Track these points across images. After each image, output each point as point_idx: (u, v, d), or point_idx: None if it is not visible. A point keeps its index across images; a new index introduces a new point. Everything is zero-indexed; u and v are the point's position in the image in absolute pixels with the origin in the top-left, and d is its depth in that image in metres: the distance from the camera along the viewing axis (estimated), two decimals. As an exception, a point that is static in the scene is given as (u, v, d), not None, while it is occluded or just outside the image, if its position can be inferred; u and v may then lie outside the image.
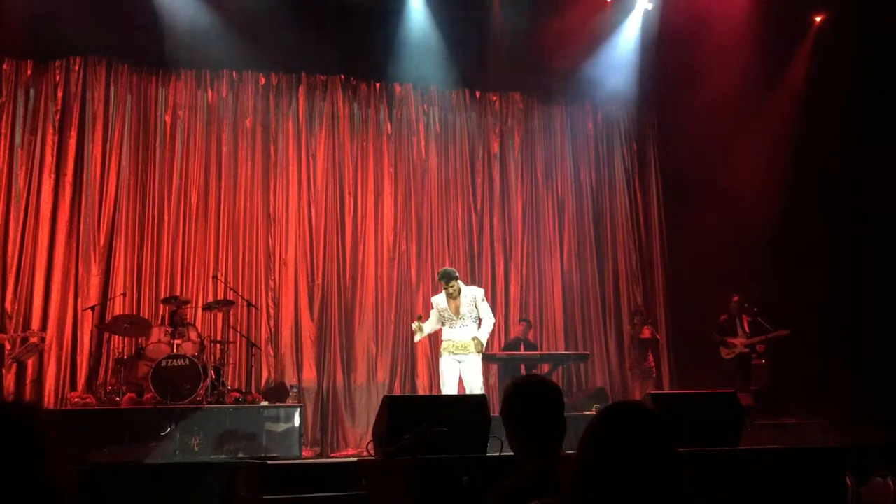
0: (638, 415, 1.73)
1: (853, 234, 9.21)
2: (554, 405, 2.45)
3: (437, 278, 7.58)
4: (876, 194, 9.00)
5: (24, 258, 8.98)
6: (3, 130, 9.14)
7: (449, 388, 7.04)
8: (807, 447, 5.91)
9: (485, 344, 7.19)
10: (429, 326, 7.25)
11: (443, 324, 7.18)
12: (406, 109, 10.61)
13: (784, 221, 9.77)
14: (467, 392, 7.04)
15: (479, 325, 7.13)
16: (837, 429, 7.81)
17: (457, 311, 7.08)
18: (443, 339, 7.22)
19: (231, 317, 8.92)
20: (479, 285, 10.09)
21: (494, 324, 7.37)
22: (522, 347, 9.59)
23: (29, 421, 1.55)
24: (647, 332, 10.15)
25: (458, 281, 7.16)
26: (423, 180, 10.51)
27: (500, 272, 10.55)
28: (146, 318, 8.85)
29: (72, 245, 9.15)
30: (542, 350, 10.13)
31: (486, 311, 7.16)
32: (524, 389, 2.50)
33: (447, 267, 8.10)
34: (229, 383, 8.51)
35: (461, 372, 7.07)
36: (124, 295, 9.04)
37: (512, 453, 2.58)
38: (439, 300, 7.19)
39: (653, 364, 10.12)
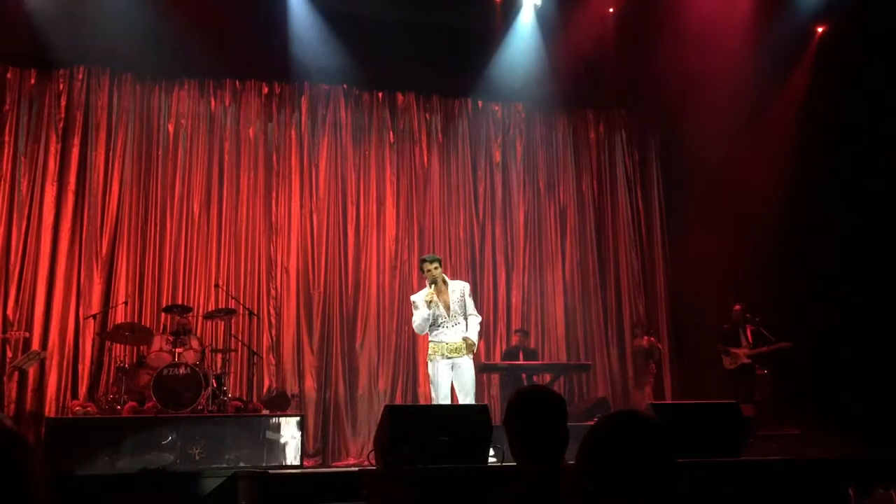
0: (636, 423, 1.73)
1: (856, 243, 9.19)
2: (556, 415, 2.45)
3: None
4: (879, 203, 8.99)
5: (26, 266, 8.98)
6: (6, 139, 9.16)
7: (444, 395, 6.44)
8: (809, 458, 5.89)
9: (476, 344, 6.59)
10: (423, 320, 6.48)
11: (431, 323, 6.48)
12: (408, 118, 10.63)
13: (786, 230, 9.75)
14: (461, 400, 6.48)
15: (466, 323, 6.50)
16: (840, 440, 7.77)
17: (447, 308, 6.44)
18: (432, 340, 6.54)
19: (232, 325, 8.92)
20: (481, 294, 10.12)
21: (481, 322, 6.76)
22: (521, 356, 9.55)
23: (12, 454, 1.54)
24: (646, 342, 10.21)
25: (440, 268, 6.48)
26: (425, 189, 10.52)
27: (502, 281, 10.54)
28: (148, 326, 8.85)
29: (74, 253, 9.16)
30: (543, 359, 10.10)
31: (472, 307, 6.56)
32: (527, 399, 2.50)
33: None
34: (230, 392, 8.49)
35: (454, 378, 6.44)
36: (126, 303, 9.03)
37: (514, 463, 2.58)
38: (427, 295, 6.44)
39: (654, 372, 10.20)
